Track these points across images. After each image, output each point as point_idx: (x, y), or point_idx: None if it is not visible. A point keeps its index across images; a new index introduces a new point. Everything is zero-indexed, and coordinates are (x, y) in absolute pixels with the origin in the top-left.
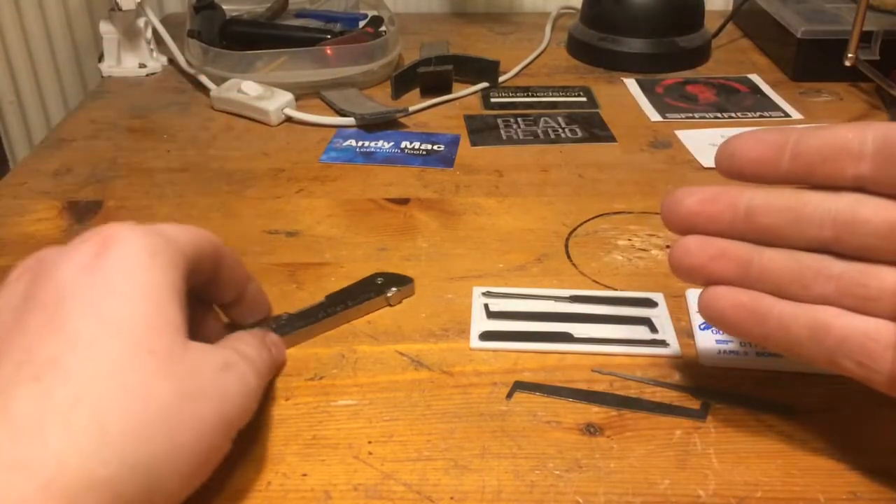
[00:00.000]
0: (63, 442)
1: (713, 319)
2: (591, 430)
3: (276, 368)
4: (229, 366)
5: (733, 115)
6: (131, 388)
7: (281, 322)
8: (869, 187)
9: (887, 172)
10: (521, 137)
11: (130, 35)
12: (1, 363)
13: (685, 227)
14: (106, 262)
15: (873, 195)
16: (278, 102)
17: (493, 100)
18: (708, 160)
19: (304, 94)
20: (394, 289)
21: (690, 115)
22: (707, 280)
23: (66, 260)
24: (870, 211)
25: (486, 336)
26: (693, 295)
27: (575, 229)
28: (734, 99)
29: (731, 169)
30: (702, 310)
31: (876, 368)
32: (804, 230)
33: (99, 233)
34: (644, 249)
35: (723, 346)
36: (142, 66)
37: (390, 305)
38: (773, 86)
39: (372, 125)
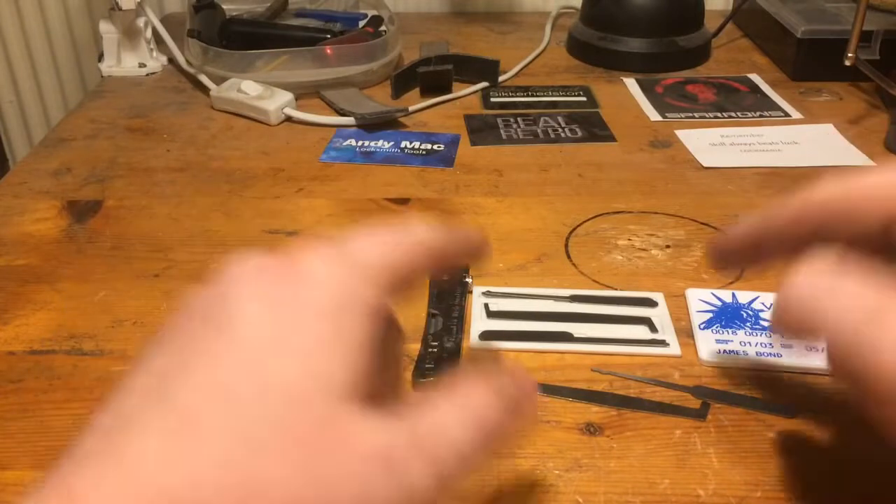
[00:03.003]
0: None
1: None
2: (590, 429)
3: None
4: (389, 462)
5: (733, 114)
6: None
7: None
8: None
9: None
10: (520, 137)
11: (130, 35)
12: (144, 378)
13: None
14: (284, 302)
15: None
16: (278, 102)
17: (492, 99)
18: (708, 160)
19: (304, 93)
20: (468, 278)
21: (690, 114)
22: None
23: (249, 285)
24: None
25: (486, 335)
26: (693, 294)
27: (575, 229)
28: (734, 98)
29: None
30: None
31: None
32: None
33: (289, 258)
34: (644, 249)
35: (723, 346)
36: (141, 65)
37: (470, 293)
38: (773, 85)
39: (372, 125)
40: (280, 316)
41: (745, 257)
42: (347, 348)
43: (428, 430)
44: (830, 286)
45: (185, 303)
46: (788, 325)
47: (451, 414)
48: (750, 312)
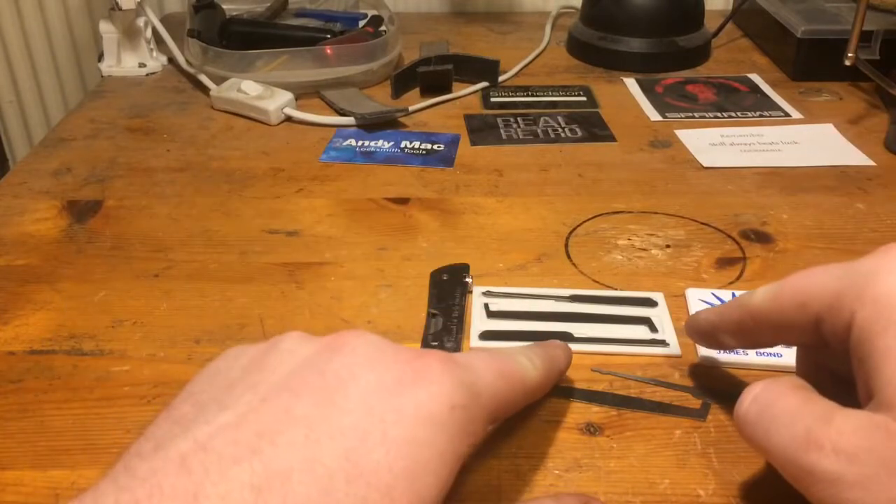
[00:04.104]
0: None
1: None
2: (591, 429)
3: None
4: None
5: (733, 114)
6: None
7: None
8: None
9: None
10: (520, 137)
11: (130, 34)
12: (231, 419)
13: None
14: (399, 397)
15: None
16: (278, 102)
17: (492, 99)
18: (708, 160)
19: (304, 93)
20: (468, 278)
21: (690, 114)
22: None
23: (371, 368)
24: None
25: (486, 336)
26: (693, 294)
27: (575, 229)
28: (734, 98)
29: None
30: None
31: None
32: None
33: (417, 358)
34: (644, 249)
35: None
36: (141, 65)
37: (470, 293)
38: (773, 85)
39: (372, 125)
40: (391, 406)
41: (711, 344)
42: (445, 468)
43: None
44: (771, 412)
45: (294, 345)
46: (744, 438)
47: None
48: None
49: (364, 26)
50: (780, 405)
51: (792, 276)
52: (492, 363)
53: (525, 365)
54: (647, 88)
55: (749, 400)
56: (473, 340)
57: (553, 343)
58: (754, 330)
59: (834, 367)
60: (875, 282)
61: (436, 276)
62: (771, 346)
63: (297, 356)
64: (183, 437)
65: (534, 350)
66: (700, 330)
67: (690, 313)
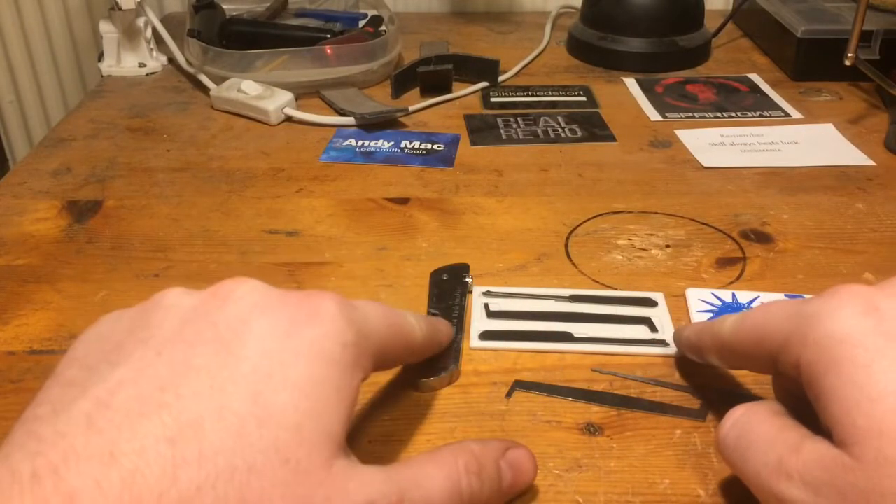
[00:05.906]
0: None
1: None
2: (590, 429)
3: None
4: None
5: (733, 114)
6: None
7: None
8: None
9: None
10: (520, 137)
11: (130, 34)
12: (134, 373)
13: None
14: (294, 338)
15: None
16: (278, 102)
17: (492, 99)
18: (708, 160)
19: (304, 93)
20: (468, 278)
21: (690, 114)
22: None
23: (263, 313)
24: None
25: (486, 335)
26: (693, 294)
27: (575, 229)
28: (734, 98)
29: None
30: None
31: None
32: None
33: (308, 299)
34: (644, 249)
35: None
36: (141, 65)
37: (470, 293)
38: (773, 85)
39: (372, 125)
40: (288, 347)
41: (694, 357)
42: (344, 402)
43: (412, 489)
44: (748, 437)
45: (177, 300)
46: (724, 460)
47: (435, 480)
48: None
49: (364, 26)
50: (757, 431)
51: (753, 310)
52: (382, 313)
53: (412, 323)
54: (647, 88)
55: (729, 424)
56: (473, 340)
57: (438, 318)
58: (724, 356)
59: (796, 391)
60: (816, 325)
61: (436, 276)
62: (742, 369)
63: (183, 310)
64: (83, 398)
65: (421, 316)
66: (682, 344)
67: (691, 314)
